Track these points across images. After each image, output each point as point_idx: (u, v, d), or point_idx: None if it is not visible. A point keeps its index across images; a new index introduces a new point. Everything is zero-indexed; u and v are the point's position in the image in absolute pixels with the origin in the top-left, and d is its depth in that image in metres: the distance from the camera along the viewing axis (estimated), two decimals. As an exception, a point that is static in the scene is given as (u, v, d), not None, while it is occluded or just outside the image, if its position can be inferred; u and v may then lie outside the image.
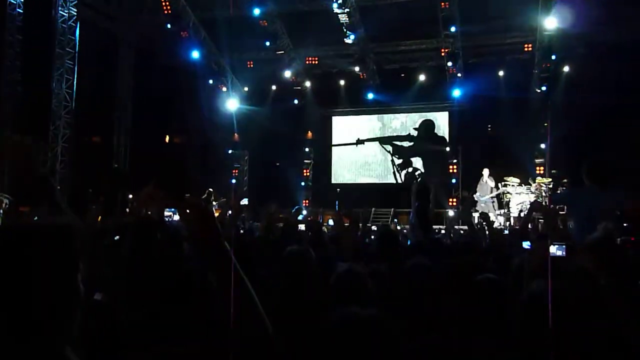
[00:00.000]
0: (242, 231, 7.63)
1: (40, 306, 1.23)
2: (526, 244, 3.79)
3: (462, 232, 9.16)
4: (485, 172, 15.60)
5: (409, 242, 6.70)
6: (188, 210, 1.47)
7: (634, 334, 1.90)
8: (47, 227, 1.31)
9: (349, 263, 2.98)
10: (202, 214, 1.49)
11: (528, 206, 11.63)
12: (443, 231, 10.16)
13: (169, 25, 16.23)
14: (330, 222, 13.11)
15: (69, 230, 1.32)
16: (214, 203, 14.42)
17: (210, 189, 14.70)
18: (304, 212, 15.65)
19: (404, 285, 3.12)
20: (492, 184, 15.39)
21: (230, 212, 6.00)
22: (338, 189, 19.18)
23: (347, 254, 4.24)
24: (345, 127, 20.52)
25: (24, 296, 1.22)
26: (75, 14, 15.27)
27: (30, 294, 1.22)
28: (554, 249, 3.09)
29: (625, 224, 4.45)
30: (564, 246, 3.11)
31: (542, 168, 16.53)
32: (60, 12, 15.01)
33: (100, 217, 3.97)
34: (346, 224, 5.40)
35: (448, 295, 2.77)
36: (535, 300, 1.75)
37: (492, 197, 15.35)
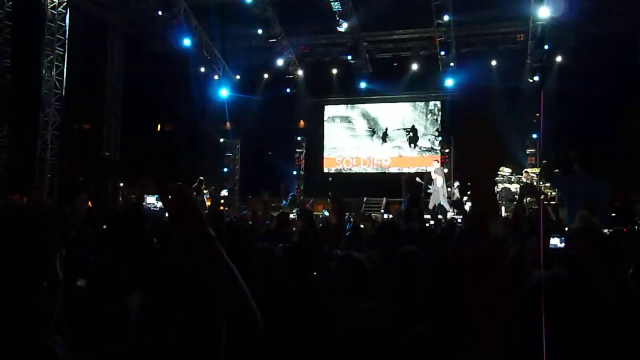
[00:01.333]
0: (234, 219, 7.65)
1: (18, 293, 1.20)
2: None
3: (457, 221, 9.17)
4: (434, 164, 15.69)
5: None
6: (170, 197, 1.44)
7: (630, 320, 1.91)
8: (22, 213, 1.28)
9: (346, 250, 2.99)
10: (185, 201, 1.45)
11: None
12: (432, 221, 10.17)
13: (159, 12, 16.07)
14: (326, 212, 13.15)
15: (45, 216, 1.29)
16: (205, 191, 14.37)
17: (201, 178, 14.64)
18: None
19: (395, 274, 3.12)
20: (435, 176, 14.87)
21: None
22: (330, 178, 19.21)
23: (334, 243, 4.24)
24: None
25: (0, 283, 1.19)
26: (65, 0, 15.07)
27: (7, 281, 1.19)
28: (555, 241, 3.16)
29: (613, 214, 4.48)
30: (562, 238, 3.19)
31: (533, 158, 16.60)
32: (50, -2, 14.81)
33: (88, 206, 3.94)
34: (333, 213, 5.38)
35: (439, 283, 2.76)
36: (539, 289, 1.74)
37: (441, 187, 14.86)
